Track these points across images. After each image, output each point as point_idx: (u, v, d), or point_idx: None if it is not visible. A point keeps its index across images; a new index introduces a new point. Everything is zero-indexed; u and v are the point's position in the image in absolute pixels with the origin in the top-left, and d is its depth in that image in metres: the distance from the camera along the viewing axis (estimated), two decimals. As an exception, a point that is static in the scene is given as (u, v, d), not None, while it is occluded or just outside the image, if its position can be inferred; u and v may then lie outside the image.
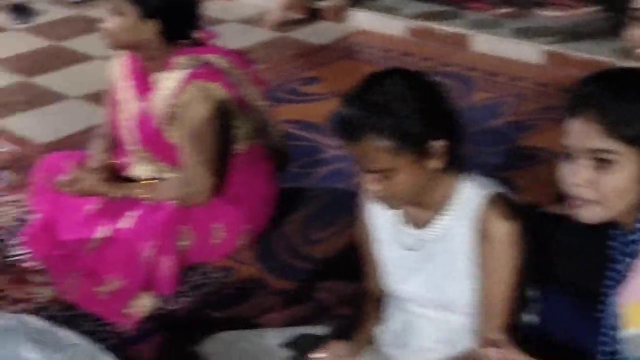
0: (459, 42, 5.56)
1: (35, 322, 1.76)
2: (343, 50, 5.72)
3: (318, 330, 2.78)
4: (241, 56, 3.52)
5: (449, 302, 2.30)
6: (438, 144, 2.18)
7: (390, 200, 2.23)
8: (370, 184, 2.20)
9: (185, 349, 2.87)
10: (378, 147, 2.14)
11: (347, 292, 3.21)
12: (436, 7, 5.91)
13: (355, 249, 2.56)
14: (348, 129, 2.17)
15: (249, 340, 2.76)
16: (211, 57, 3.31)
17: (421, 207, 2.29)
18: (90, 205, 3.36)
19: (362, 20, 6.00)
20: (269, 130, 3.52)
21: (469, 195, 2.25)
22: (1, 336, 1.68)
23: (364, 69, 5.30)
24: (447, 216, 2.27)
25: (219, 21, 5.99)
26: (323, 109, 4.51)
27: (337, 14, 6.10)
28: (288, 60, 5.56)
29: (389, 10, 5.96)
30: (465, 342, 2.30)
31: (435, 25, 5.71)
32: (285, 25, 6.06)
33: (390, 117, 2.13)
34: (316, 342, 2.54)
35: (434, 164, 2.20)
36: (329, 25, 6.07)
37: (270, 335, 2.79)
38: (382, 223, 2.39)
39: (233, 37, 5.38)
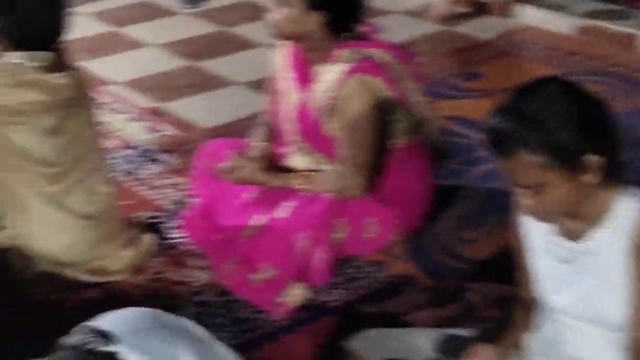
0: (628, 42, 5.40)
1: (199, 331, 1.79)
2: (508, 47, 5.63)
3: (466, 332, 2.75)
4: (403, 51, 3.52)
5: (601, 316, 2.25)
6: (594, 159, 2.10)
7: (543, 215, 2.18)
8: (522, 198, 2.15)
9: (336, 342, 2.89)
10: (530, 163, 2.08)
11: (498, 295, 3.17)
12: (606, 6, 5.76)
13: (508, 252, 2.52)
14: (499, 142, 2.11)
15: (397, 339, 2.75)
16: (374, 52, 3.32)
17: (575, 219, 2.23)
18: (249, 193, 3.42)
19: (529, 16, 5.89)
20: (428, 126, 3.51)
21: (627, 209, 2.17)
22: (169, 335, 1.72)
23: (528, 67, 5.29)
24: (603, 229, 2.20)
25: (385, 12, 5.98)
26: (484, 106, 4.42)
27: (504, 9, 6.01)
28: (451, 55, 5.51)
29: (558, 7, 5.84)
30: (616, 357, 2.24)
31: (605, 24, 5.57)
32: (450, 18, 6.00)
33: (544, 132, 2.06)
34: (464, 345, 2.52)
35: (589, 178, 2.12)
36: (495, 21, 5.98)
37: (418, 335, 2.77)
38: (535, 233, 2.34)
39: (397, 29, 5.37)
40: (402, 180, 3.43)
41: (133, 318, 1.74)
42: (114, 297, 3.32)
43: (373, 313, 3.23)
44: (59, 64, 3.34)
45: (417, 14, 6.18)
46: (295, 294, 3.29)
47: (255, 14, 6.11)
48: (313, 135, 3.40)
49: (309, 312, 3.28)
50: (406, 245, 3.52)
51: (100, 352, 1.65)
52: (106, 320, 1.73)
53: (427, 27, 5.95)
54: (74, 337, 1.69)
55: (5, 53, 3.27)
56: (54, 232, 3.32)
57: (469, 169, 4.11)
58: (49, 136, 3.30)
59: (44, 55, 3.27)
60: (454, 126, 4.40)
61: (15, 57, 3.25)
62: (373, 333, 2.81)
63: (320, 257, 3.26)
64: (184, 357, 1.68)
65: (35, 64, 3.25)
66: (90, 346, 1.66)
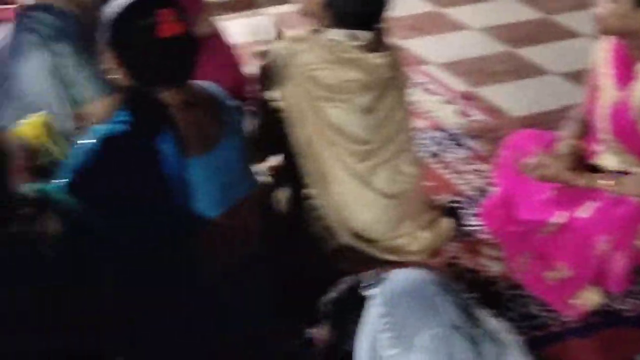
0: None
1: (492, 322, 1.83)
2: None
3: None
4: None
5: None
6: None
7: None
8: None
9: (628, 354, 2.81)
10: None
11: None
12: None
13: None
14: None
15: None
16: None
17: None
18: (551, 190, 3.37)
19: None
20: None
21: None
22: (425, 309, 1.77)
23: None
24: None
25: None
26: None
27: None
28: None
29: None
30: None
31: None
32: None
33: None
34: None
35: None
36: None
37: None
38: None
39: None
40: None
41: (408, 280, 1.83)
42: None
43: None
44: (378, 43, 3.41)
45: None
46: (589, 298, 3.22)
47: (581, 2, 5.96)
48: (627, 136, 3.30)
49: (601, 318, 3.22)
50: None
51: (357, 292, 1.83)
52: (391, 274, 1.87)
53: None
54: (365, 275, 1.88)
55: (326, 29, 3.36)
56: (358, 207, 3.40)
57: None
58: (363, 114, 3.38)
59: (365, 35, 3.35)
60: None
61: (337, 34, 3.34)
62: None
63: (620, 263, 3.18)
64: (423, 336, 1.73)
65: (357, 42, 3.33)
66: (359, 285, 1.84)
